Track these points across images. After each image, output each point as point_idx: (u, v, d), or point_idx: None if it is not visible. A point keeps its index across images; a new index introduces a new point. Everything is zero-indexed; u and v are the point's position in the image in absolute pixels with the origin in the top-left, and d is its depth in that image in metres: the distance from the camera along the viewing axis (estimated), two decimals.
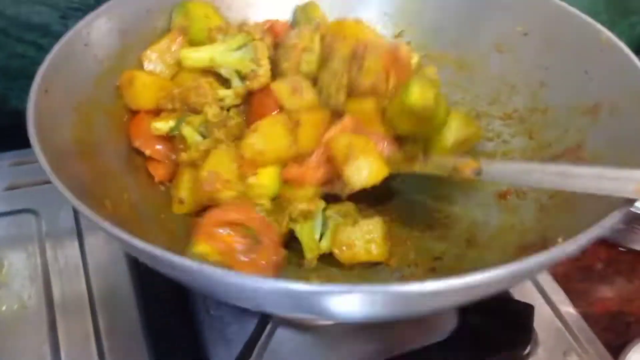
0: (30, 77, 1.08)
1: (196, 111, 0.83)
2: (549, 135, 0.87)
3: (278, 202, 0.80)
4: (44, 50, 1.06)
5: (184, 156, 0.81)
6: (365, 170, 0.74)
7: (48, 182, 0.95)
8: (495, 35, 0.97)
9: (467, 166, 0.71)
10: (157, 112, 0.86)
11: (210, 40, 0.87)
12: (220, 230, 0.72)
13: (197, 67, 0.86)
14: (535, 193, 0.83)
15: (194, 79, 0.87)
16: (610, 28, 1.20)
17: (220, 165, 0.77)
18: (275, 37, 0.90)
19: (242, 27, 0.87)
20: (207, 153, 0.79)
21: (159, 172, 0.84)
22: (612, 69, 0.81)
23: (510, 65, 0.96)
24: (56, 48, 0.77)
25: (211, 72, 0.89)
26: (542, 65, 0.92)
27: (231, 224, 0.72)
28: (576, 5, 1.19)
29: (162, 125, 0.83)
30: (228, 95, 0.86)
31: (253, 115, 0.85)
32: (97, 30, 0.84)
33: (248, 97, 0.87)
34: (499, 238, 0.81)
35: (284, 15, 1.03)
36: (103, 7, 0.85)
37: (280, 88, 0.83)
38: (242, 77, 0.86)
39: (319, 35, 0.87)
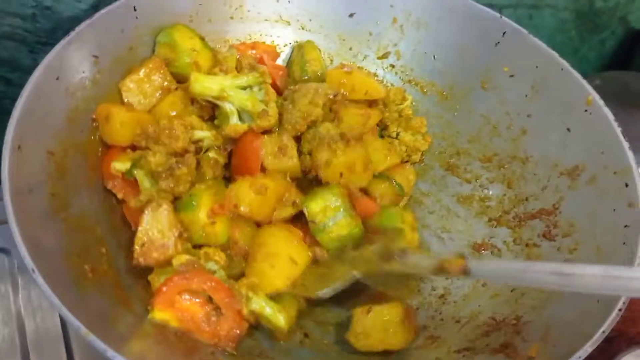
0: (2, 112, 1.04)
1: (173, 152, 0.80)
2: (527, 188, 0.89)
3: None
4: (13, 84, 1.03)
5: (133, 202, 0.79)
6: None
7: None
8: (482, 72, 0.96)
9: (454, 265, 0.69)
10: (132, 147, 0.83)
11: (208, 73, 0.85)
12: (182, 297, 0.71)
13: (203, 94, 0.83)
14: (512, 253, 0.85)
15: (172, 116, 0.83)
16: (580, 45, 1.21)
17: (155, 228, 0.74)
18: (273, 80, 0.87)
19: (253, 66, 0.84)
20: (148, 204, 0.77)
21: (134, 218, 0.82)
22: (595, 134, 0.82)
23: (494, 104, 0.95)
24: (26, 92, 0.73)
25: (197, 106, 0.86)
26: (526, 111, 0.92)
27: (193, 291, 0.72)
28: (546, 23, 1.19)
29: (120, 166, 0.80)
30: (207, 136, 0.84)
31: (236, 159, 0.84)
32: (68, 60, 0.79)
33: (230, 141, 0.85)
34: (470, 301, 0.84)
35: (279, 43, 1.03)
36: (74, 33, 0.80)
37: (267, 145, 0.81)
38: (242, 116, 0.83)
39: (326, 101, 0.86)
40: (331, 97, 0.86)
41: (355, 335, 0.75)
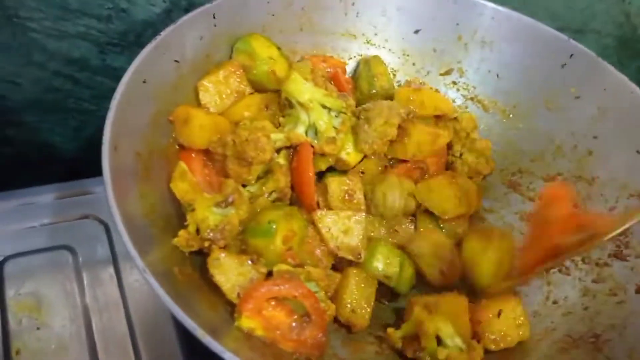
0: (64, 111, 1.07)
1: (248, 161, 0.81)
2: (594, 208, 0.89)
3: None
4: (80, 84, 1.04)
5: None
6: None
7: (84, 217, 0.96)
8: (547, 92, 0.97)
9: None
10: (207, 151, 0.84)
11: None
12: (270, 305, 0.71)
13: (293, 95, 0.84)
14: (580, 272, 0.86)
15: (251, 126, 0.84)
16: (620, 69, 1.23)
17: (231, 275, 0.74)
18: (340, 91, 0.88)
19: (344, 97, 0.85)
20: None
21: None
22: None
23: (558, 124, 0.97)
24: (118, 94, 0.73)
25: (270, 112, 0.87)
26: (592, 132, 0.93)
27: (281, 298, 0.72)
28: (589, 48, 1.20)
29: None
30: (279, 138, 0.85)
31: (294, 172, 0.85)
32: (154, 64, 0.80)
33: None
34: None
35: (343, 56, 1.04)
36: (160, 38, 0.81)
37: (334, 187, 0.84)
38: (308, 131, 0.84)
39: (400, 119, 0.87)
40: (404, 115, 0.87)
41: (492, 341, 0.78)
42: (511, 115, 1.01)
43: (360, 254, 0.80)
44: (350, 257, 0.80)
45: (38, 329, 0.84)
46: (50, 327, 0.84)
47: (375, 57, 1.01)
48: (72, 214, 0.98)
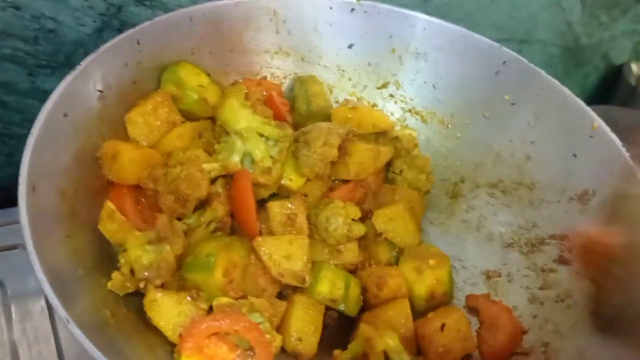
0: None
1: (183, 200, 0.77)
2: (536, 214, 0.90)
3: None
4: (8, 108, 0.98)
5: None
6: None
7: (13, 247, 0.90)
8: (483, 100, 0.97)
9: None
10: (139, 186, 0.80)
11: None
12: (210, 341, 0.68)
13: (227, 123, 0.81)
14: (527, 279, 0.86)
15: (182, 149, 0.81)
16: (565, 78, 1.26)
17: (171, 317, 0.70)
18: (277, 114, 0.86)
19: (282, 126, 0.82)
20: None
21: None
22: (603, 159, 0.84)
23: (496, 132, 0.97)
24: (36, 129, 0.69)
25: (204, 140, 0.84)
26: (529, 138, 0.93)
27: (222, 334, 0.69)
28: (534, 57, 1.23)
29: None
30: (214, 168, 0.81)
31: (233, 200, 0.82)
32: (75, 96, 0.76)
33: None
34: None
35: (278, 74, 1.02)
36: (80, 68, 0.77)
37: (275, 211, 0.81)
38: (244, 159, 0.81)
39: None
40: (344, 135, 0.85)
41: (437, 355, 0.77)
42: (449, 126, 1.01)
43: (305, 279, 0.78)
44: (294, 283, 0.78)
45: None
46: None
47: (311, 76, 0.99)
48: (1, 244, 0.94)
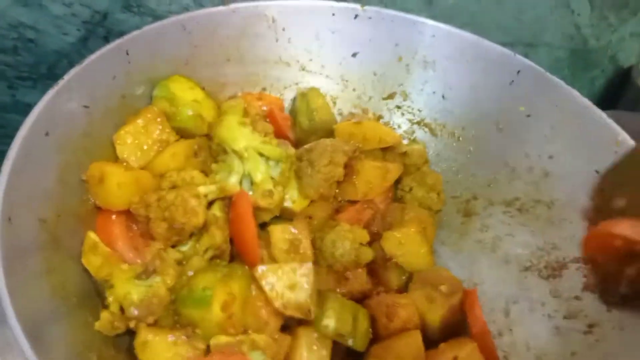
0: None
1: (179, 230, 0.70)
2: (556, 234, 0.83)
3: None
4: None
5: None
6: None
7: None
8: (496, 111, 0.91)
9: None
10: (129, 211, 0.73)
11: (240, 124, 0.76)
12: None
13: (226, 142, 0.75)
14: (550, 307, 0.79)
15: (176, 170, 0.74)
16: (572, 82, 1.20)
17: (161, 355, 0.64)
18: (278, 130, 0.80)
19: (284, 145, 0.77)
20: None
21: None
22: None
23: (511, 145, 0.91)
24: (13, 152, 0.63)
25: (200, 159, 0.77)
26: (546, 152, 0.87)
27: None
28: (541, 60, 1.17)
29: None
30: (212, 191, 0.75)
31: (232, 225, 0.75)
32: (57, 113, 0.69)
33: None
34: None
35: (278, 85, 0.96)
36: (62, 82, 0.70)
37: (277, 236, 0.73)
38: (243, 181, 0.75)
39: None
40: (350, 153, 0.79)
41: None
42: (460, 138, 0.95)
43: (310, 311, 0.71)
44: (299, 316, 0.71)
45: None
46: None
47: (313, 89, 0.93)
48: None
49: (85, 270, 0.68)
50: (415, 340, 0.74)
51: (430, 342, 0.77)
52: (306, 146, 0.80)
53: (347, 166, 0.80)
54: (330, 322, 0.73)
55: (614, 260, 0.73)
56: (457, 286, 0.81)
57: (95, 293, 0.68)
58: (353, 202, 0.85)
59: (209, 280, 0.67)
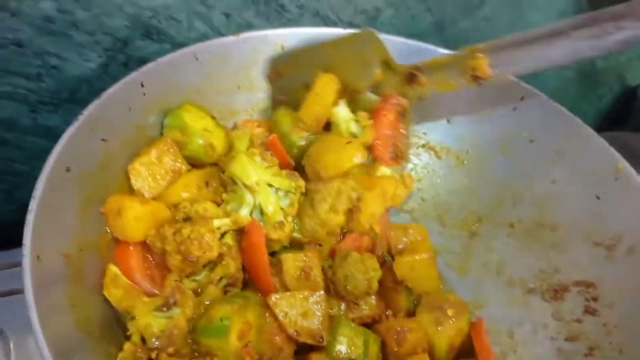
0: None
1: (194, 262, 0.73)
2: (559, 258, 0.86)
3: None
4: (9, 145, 0.94)
5: None
6: None
7: (14, 292, 0.87)
8: (500, 136, 0.94)
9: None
10: (146, 243, 0.75)
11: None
12: None
13: (238, 176, 0.77)
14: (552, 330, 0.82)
15: (189, 200, 0.77)
16: (580, 101, 1.22)
17: None
18: (281, 158, 0.82)
19: (293, 177, 0.79)
20: None
21: None
22: (629, 203, 0.80)
23: (515, 169, 0.93)
24: (39, 190, 0.65)
25: (211, 189, 0.80)
26: (550, 177, 0.90)
27: None
28: (549, 80, 1.20)
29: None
30: (225, 224, 0.77)
31: (245, 255, 0.78)
32: (77, 148, 0.72)
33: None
34: None
35: None
36: (82, 118, 0.72)
37: (289, 265, 0.76)
38: (253, 211, 0.77)
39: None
40: (355, 201, 0.81)
41: None
42: (465, 162, 0.98)
43: (322, 337, 0.74)
44: (311, 342, 0.74)
45: None
46: None
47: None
48: (2, 289, 0.89)
49: (107, 302, 0.71)
50: None
51: None
52: (314, 185, 0.81)
53: (351, 210, 0.82)
54: (342, 347, 0.76)
55: None
56: (463, 309, 0.83)
57: (116, 323, 0.70)
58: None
59: (226, 310, 0.69)
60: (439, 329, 0.80)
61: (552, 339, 0.81)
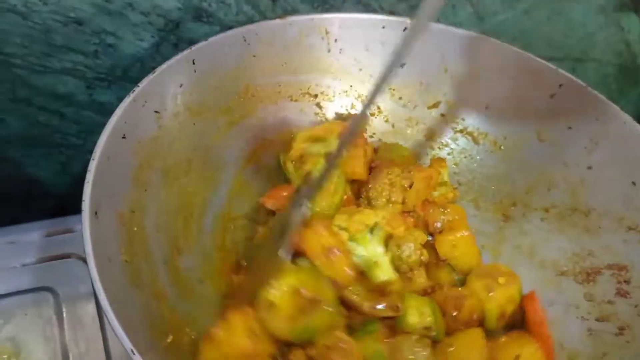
0: (49, 146, 1.04)
1: None
2: (592, 242, 0.88)
3: None
4: (66, 119, 1.00)
5: None
6: None
7: (66, 256, 0.92)
8: (537, 122, 0.96)
9: None
10: None
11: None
12: None
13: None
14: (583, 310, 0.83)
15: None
16: (620, 97, 1.22)
17: None
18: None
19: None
20: None
21: None
22: None
23: (551, 155, 0.95)
24: (97, 153, 0.70)
25: None
26: (585, 163, 0.91)
27: None
28: (589, 76, 1.20)
29: None
30: None
31: None
32: (132, 117, 0.77)
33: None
34: None
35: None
36: (138, 90, 0.78)
37: None
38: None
39: None
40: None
41: None
42: (502, 147, 0.99)
43: (398, 307, 0.77)
44: (390, 314, 0.77)
45: None
46: None
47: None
48: (54, 253, 0.96)
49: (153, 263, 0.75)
50: (478, 336, 0.79)
51: (488, 332, 0.82)
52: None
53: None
54: (413, 319, 0.78)
55: None
56: (514, 278, 0.86)
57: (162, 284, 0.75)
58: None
59: None
60: (490, 294, 0.82)
61: (583, 319, 0.83)
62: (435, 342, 0.78)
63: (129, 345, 0.55)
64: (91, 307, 0.90)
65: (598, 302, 0.83)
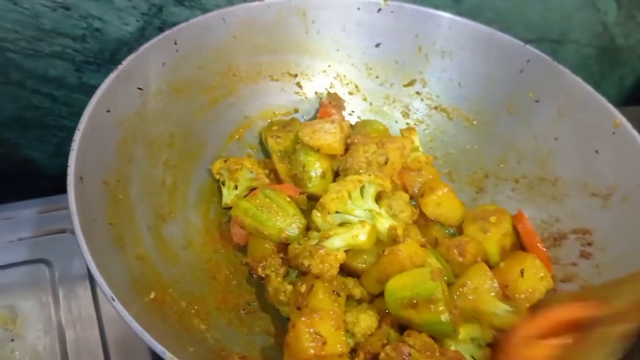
0: (43, 128, 1.09)
1: None
2: (559, 209, 0.92)
3: None
4: (58, 102, 1.05)
5: None
6: None
7: (61, 231, 0.97)
8: (508, 97, 1.00)
9: None
10: None
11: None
12: None
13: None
14: None
15: None
16: (600, 80, 1.26)
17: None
18: None
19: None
20: None
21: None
22: (624, 156, 0.86)
23: (520, 128, 0.99)
24: (82, 124, 0.74)
25: None
26: (552, 134, 0.95)
27: None
28: (569, 58, 1.24)
29: None
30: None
31: None
32: (116, 93, 0.81)
33: None
34: None
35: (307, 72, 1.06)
36: (121, 67, 0.82)
37: None
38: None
39: None
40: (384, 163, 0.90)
41: (524, 300, 0.80)
42: (475, 122, 1.04)
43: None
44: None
45: (12, 340, 0.86)
46: (25, 338, 0.86)
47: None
48: (50, 228, 1.00)
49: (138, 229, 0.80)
50: (483, 268, 0.83)
51: (492, 268, 0.84)
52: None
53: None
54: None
55: None
56: (504, 213, 0.91)
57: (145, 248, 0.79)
58: None
59: None
60: (487, 234, 0.87)
61: None
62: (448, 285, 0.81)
63: (109, 292, 0.59)
64: (85, 278, 0.94)
65: (563, 264, 0.87)
